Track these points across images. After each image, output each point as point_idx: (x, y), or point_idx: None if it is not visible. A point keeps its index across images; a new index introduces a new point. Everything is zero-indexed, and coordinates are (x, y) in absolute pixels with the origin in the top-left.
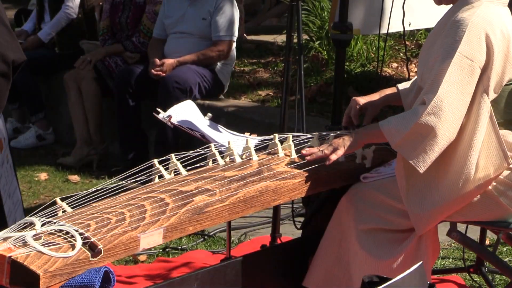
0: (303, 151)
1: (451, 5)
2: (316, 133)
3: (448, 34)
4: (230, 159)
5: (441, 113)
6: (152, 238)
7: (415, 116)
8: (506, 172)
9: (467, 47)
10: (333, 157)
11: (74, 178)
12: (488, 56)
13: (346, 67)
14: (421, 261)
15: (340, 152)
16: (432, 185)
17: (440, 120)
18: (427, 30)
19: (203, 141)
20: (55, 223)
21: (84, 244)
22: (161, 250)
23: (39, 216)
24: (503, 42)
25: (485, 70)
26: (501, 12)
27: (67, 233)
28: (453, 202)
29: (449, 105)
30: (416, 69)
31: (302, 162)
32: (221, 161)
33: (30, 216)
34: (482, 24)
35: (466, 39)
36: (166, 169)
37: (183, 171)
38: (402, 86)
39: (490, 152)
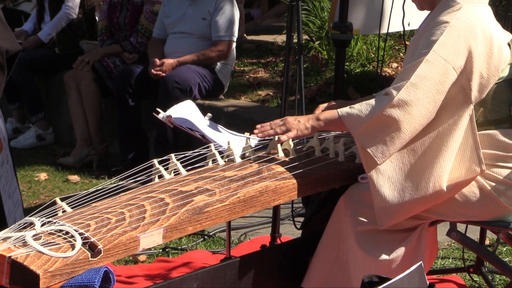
0: (255, 130)
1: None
2: (316, 132)
3: (426, 36)
4: (230, 159)
5: (406, 107)
6: (152, 238)
7: (379, 107)
8: (505, 172)
9: (442, 47)
10: (283, 138)
11: (74, 178)
12: (468, 60)
13: (346, 67)
14: (421, 261)
15: (292, 134)
16: (401, 181)
17: (404, 113)
18: None
19: (203, 141)
20: (55, 223)
21: (84, 244)
22: (161, 250)
23: (39, 216)
24: (485, 44)
25: (465, 72)
26: (482, 13)
27: (67, 233)
28: (419, 200)
29: (416, 100)
30: None
31: (302, 162)
32: (221, 161)
33: (30, 216)
34: (462, 27)
35: (443, 40)
36: (166, 169)
37: (183, 171)
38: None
39: (465, 155)
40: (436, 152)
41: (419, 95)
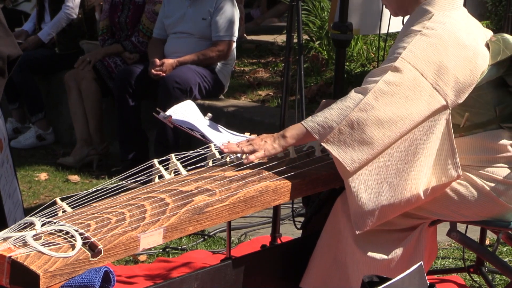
0: (221, 145)
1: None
2: None
3: (397, 43)
4: (230, 159)
5: (373, 111)
6: (152, 238)
7: (345, 111)
8: (503, 172)
9: (411, 54)
10: (252, 157)
11: (74, 178)
12: (440, 66)
13: (346, 67)
14: (421, 262)
15: (260, 154)
16: (378, 184)
17: (371, 118)
18: None
19: (203, 141)
20: (55, 223)
21: (84, 244)
22: (161, 250)
23: (39, 216)
24: (458, 50)
25: (438, 79)
26: (454, 19)
27: (67, 233)
28: (396, 204)
29: (384, 105)
30: None
31: (302, 162)
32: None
33: (30, 216)
34: (431, 35)
35: (412, 48)
36: (166, 169)
37: (183, 171)
38: None
39: (441, 159)
40: (412, 156)
41: (386, 101)
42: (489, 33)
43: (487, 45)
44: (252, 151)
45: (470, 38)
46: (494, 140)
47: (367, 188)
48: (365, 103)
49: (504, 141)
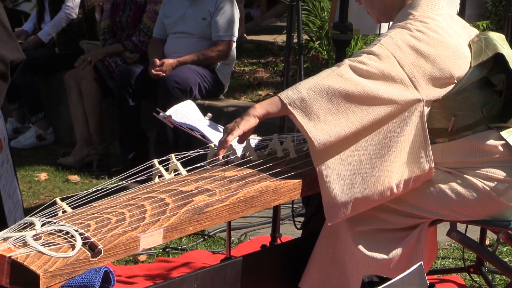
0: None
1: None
2: None
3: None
4: (230, 159)
5: (342, 81)
6: (152, 238)
7: (316, 79)
8: (503, 171)
9: (390, 41)
10: (230, 138)
11: (74, 178)
12: (417, 59)
13: None
14: (421, 261)
15: (236, 132)
16: (351, 177)
17: (339, 86)
18: None
19: (203, 141)
20: (55, 223)
21: (84, 244)
22: (161, 250)
23: (39, 216)
24: (439, 48)
25: (415, 70)
26: (436, 20)
27: (67, 233)
28: (369, 197)
29: (355, 81)
30: None
31: (302, 162)
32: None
33: (30, 216)
34: (411, 29)
35: (392, 36)
36: (166, 169)
37: (183, 171)
38: None
39: (413, 152)
40: (386, 149)
41: (358, 77)
42: (473, 33)
43: (470, 46)
44: (228, 135)
45: (452, 38)
46: (484, 142)
47: (340, 180)
48: (337, 74)
49: (494, 142)
